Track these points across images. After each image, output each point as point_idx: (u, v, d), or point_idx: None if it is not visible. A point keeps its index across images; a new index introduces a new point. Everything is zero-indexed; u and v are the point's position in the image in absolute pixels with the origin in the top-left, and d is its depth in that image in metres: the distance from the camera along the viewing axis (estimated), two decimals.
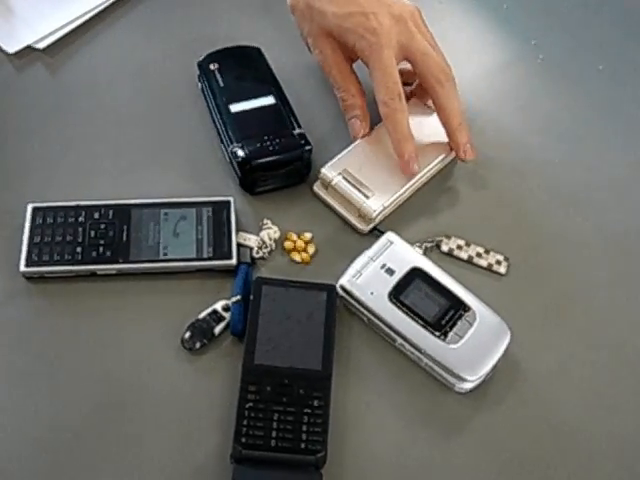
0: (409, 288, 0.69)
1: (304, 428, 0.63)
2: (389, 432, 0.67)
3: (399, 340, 0.69)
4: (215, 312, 0.70)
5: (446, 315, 0.68)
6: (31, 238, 0.72)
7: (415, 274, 0.70)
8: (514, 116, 0.87)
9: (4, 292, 0.71)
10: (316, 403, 0.64)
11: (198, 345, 0.68)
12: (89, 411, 0.66)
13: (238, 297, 0.70)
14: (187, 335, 0.68)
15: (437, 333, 0.68)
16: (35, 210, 0.73)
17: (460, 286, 0.70)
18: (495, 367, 0.67)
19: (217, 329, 0.69)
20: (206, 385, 0.67)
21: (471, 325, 0.68)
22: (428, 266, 0.71)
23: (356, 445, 0.66)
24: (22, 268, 0.71)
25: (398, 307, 0.69)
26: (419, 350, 0.68)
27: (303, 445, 0.63)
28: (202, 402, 0.67)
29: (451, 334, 0.68)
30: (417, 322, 0.68)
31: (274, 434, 0.63)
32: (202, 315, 0.69)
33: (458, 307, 0.69)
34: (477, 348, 0.67)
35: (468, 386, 0.67)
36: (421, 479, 0.65)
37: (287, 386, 0.65)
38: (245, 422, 0.63)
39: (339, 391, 0.67)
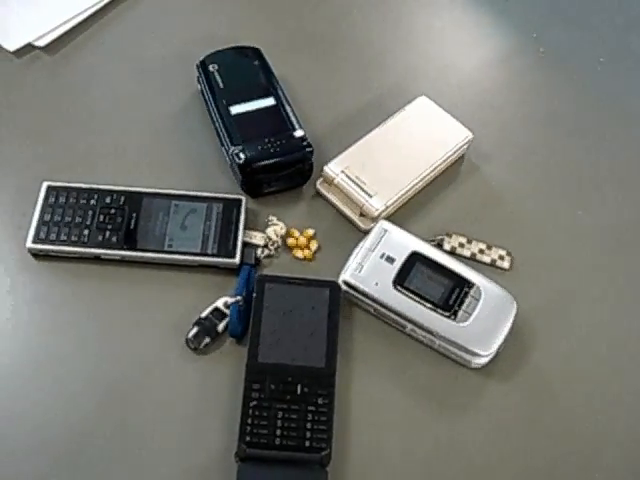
0: (411, 273, 0.70)
1: (308, 426, 0.63)
2: (396, 427, 0.67)
3: (409, 326, 0.69)
4: (217, 309, 0.70)
5: (452, 294, 0.69)
6: (42, 216, 0.72)
7: (415, 259, 0.70)
8: (515, 109, 0.87)
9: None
10: (320, 401, 0.64)
11: (203, 344, 0.68)
12: (92, 408, 0.66)
13: (238, 298, 0.69)
14: (192, 334, 0.68)
15: (447, 313, 0.68)
16: (49, 188, 0.74)
17: (460, 264, 0.71)
18: (506, 339, 0.68)
19: (220, 326, 0.69)
20: (210, 383, 0.68)
21: (478, 301, 0.69)
22: (426, 249, 0.71)
23: (362, 441, 0.66)
24: (28, 244, 0.71)
25: (404, 294, 0.69)
26: (431, 333, 0.68)
27: (308, 443, 0.63)
28: (206, 400, 0.67)
29: (460, 312, 0.68)
30: (425, 306, 0.68)
31: (278, 432, 0.63)
32: (205, 313, 0.69)
33: (462, 285, 0.70)
34: (487, 322, 0.68)
35: (483, 361, 0.68)
36: (430, 469, 0.66)
37: (291, 384, 0.65)
38: (249, 421, 0.63)
39: (344, 387, 0.67)
